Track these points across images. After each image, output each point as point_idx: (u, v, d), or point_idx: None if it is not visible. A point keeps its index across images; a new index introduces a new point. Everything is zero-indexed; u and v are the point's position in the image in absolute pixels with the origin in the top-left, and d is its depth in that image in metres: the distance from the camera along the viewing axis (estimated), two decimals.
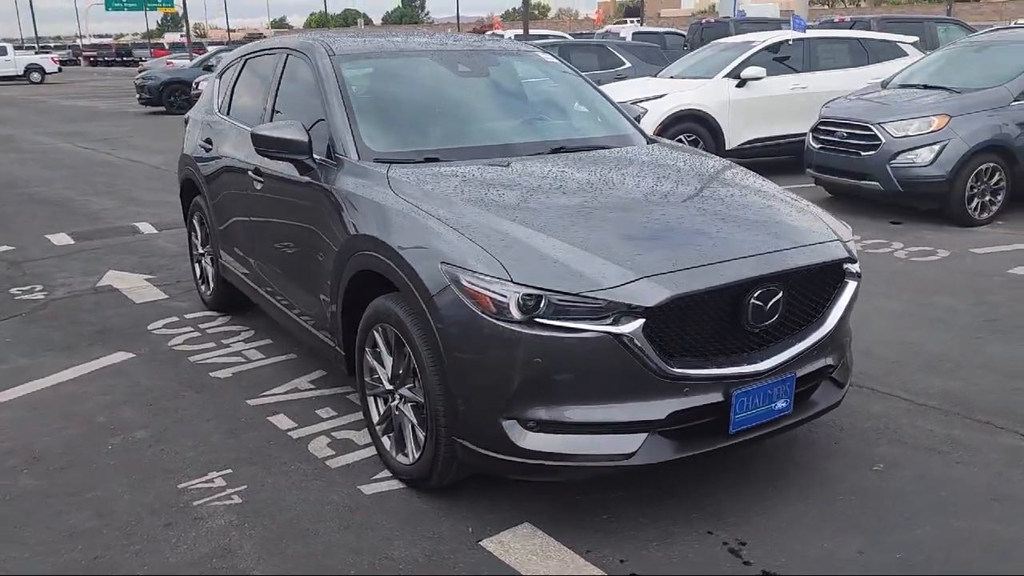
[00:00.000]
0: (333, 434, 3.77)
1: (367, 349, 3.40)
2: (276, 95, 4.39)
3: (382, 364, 3.32)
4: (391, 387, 3.29)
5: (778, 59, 10.39)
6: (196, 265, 5.69)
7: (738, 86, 9.94)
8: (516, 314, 2.68)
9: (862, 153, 7.73)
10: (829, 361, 3.20)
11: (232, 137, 4.75)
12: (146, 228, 8.06)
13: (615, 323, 2.66)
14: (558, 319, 2.68)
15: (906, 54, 10.83)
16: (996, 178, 7.52)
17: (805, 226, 3.22)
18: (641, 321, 2.66)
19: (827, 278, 3.12)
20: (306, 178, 3.75)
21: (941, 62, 8.65)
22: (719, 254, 2.85)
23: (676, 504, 3.14)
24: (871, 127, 7.67)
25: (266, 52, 4.80)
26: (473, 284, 2.76)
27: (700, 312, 2.80)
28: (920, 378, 4.25)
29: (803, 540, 2.92)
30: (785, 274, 2.93)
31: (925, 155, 7.40)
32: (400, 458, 3.30)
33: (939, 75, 8.32)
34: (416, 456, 3.16)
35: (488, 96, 4.33)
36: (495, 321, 2.71)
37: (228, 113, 5.07)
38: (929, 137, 7.40)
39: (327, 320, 3.71)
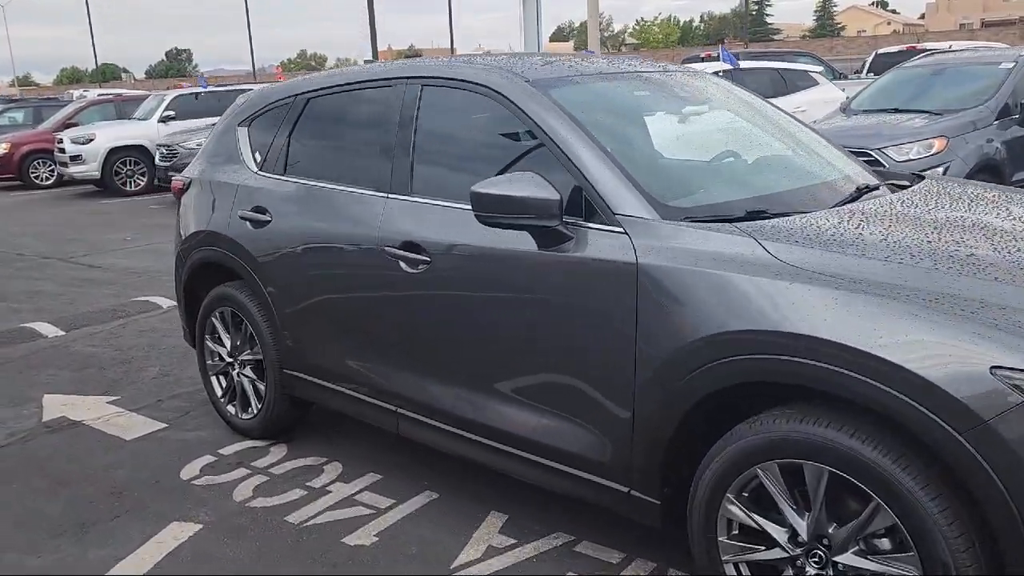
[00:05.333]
0: None
1: (729, 496, 2.32)
2: (413, 143, 3.17)
3: (775, 520, 2.26)
4: (794, 552, 2.23)
5: None
6: (217, 379, 4.20)
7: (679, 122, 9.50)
8: None
9: None
10: None
11: (326, 204, 3.44)
12: (47, 329, 6.18)
13: None
14: None
15: (818, 83, 10.95)
16: None
17: None
18: None
19: None
20: (548, 252, 2.62)
21: (898, 87, 8.65)
22: None
23: None
24: (871, 152, 7.39)
25: (358, 87, 3.54)
26: None
27: None
28: None
29: None
30: None
31: None
32: None
33: (904, 99, 8.28)
34: None
35: (738, 126, 3.38)
36: None
37: (286, 171, 3.73)
38: (933, 160, 7.23)
39: (612, 455, 2.57)
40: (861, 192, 2.90)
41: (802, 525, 2.21)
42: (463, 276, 2.91)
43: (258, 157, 3.90)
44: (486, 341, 2.88)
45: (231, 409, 4.13)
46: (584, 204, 2.62)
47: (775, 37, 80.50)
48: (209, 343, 4.17)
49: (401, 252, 3.06)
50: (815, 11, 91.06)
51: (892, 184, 3.22)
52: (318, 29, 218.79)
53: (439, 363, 3.07)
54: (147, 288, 7.43)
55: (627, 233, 2.49)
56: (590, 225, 2.58)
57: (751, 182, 2.95)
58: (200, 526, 3.30)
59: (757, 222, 2.44)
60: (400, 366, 3.21)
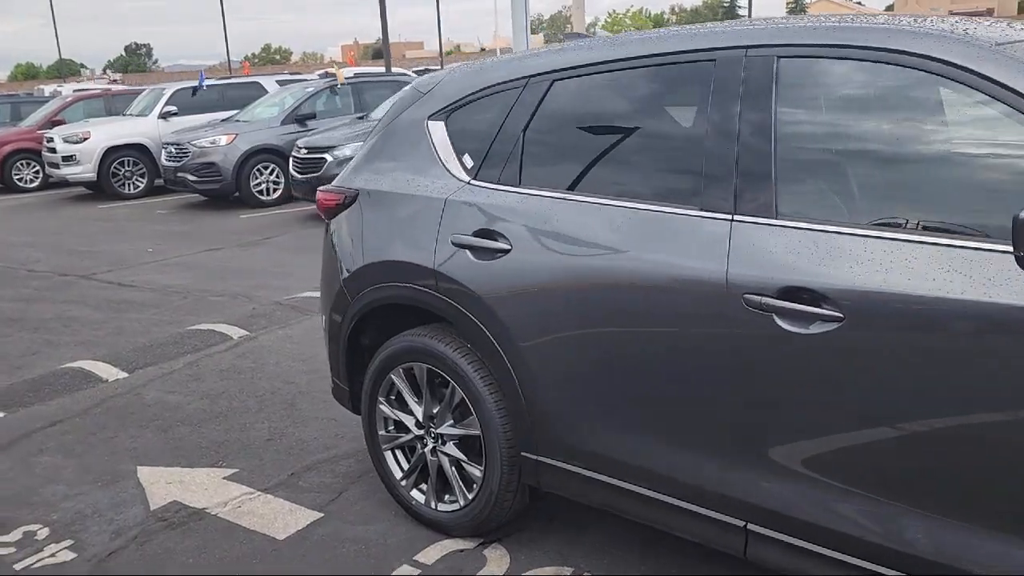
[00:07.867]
0: None
1: None
2: (774, 142, 2.18)
3: None
4: None
5: None
6: (393, 454, 3.18)
7: None
8: None
9: None
10: None
11: (615, 228, 2.43)
12: (105, 370, 5.08)
13: None
14: None
15: None
16: None
17: None
18: None
19: None
20: None
21: None
22: None
23: None
24: None
25: (644, 62, 2.53)
26: None
27: None
28: None
29: None
30: None
31: None
32: None
33: None
34: None
35: None
36: None
37: (521, 182, 2.72)
38: None
39: None
40: None
41: None
42: (917, 345, 1.92)
43: (469, 162, 2.88)
44: (959, 447, 1.90)
45: (417, 496, 3.12)
46: None
47: None
48: (384, 408, 3.15)
49: (780, 303, 2.07)
50: (788, 2, 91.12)
51: None
52: (280, 23, 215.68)
53: (848, 468, 2.08)
54: (201, 312, 6.35)
55: None
56: None
57: None
58: None
59: None
60: (757, 465, 2.22)
